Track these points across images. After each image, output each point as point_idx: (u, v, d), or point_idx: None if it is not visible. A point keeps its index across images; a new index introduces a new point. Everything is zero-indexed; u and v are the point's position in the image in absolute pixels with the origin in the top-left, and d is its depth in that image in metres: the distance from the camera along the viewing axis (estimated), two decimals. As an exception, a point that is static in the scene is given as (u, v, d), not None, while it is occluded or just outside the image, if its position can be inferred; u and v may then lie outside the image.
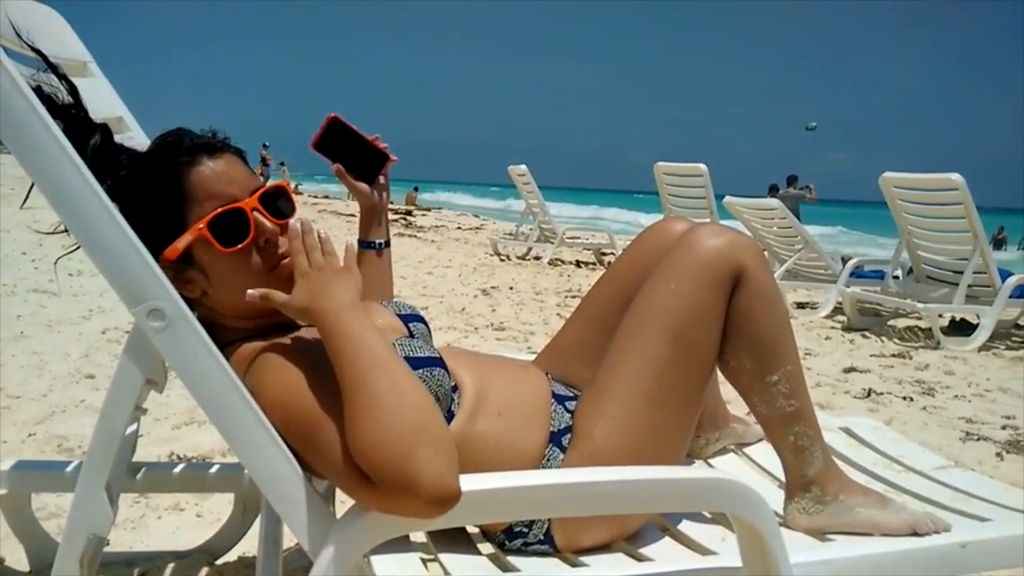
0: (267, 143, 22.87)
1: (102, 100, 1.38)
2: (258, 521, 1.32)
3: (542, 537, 1.09)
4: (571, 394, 1.24)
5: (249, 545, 1.66)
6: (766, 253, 6.34)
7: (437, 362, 1.06)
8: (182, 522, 1.82)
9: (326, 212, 14.98)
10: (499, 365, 1.22)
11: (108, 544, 1.65)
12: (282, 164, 23.40)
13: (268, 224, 1.04)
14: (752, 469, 1.50)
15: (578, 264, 8.39)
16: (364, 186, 1.33)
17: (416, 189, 22.93)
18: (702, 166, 6.40)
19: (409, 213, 15.98)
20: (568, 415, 1.18)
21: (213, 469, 1.57)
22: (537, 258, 8.54)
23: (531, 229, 8.96)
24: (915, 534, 1.14)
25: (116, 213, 0.90)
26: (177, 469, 1.55)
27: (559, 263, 8.30)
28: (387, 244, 1.40)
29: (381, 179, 1.35)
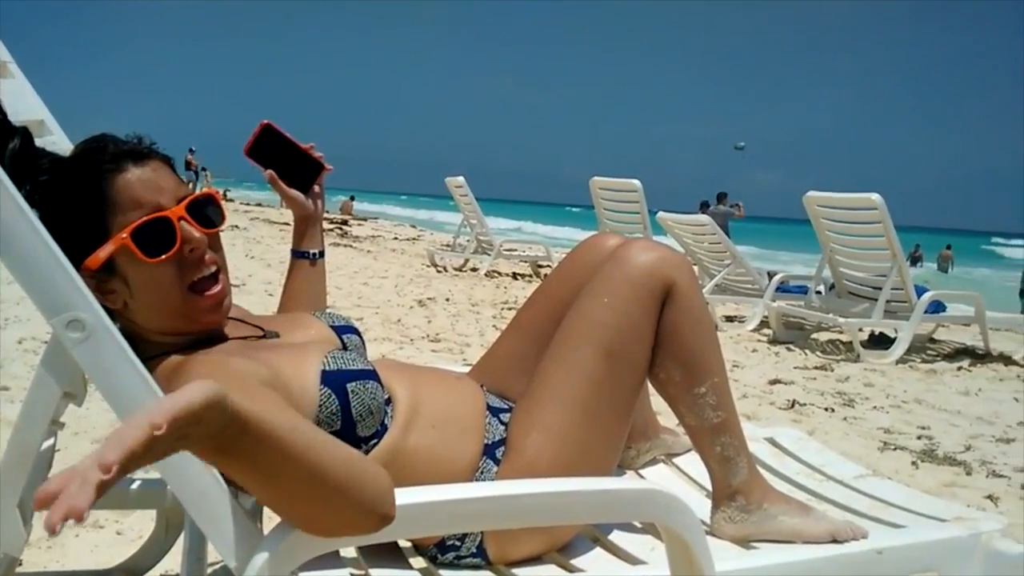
0: (193, 148, 22.28)
1: (22, 102, 1.33)
2: (181, 538, 1.28)
3: (475, 550, 1.09)
4: (506, 406, 1.25)
5: (172, 563, 1.60)
6: (697, 268, 6.52)
7: (370, 374, 1.06)
8: (101, 540, 1.76)
9: (258, 220, 14.68)
10: (434, 377, 1.22)
11: (21, 564, 1.58)
12: (204, 170, 22.76)
13: (195, 233, 1.02)
14: (681, 479, 1.53)
15: (515, 276, 8.43)
16: (298, 195, 1.32)
17: (352, 198, 22.68)
18: (636, 182, 6.53)
19: (345, 223, 15.79)
20: (502, 427, 1.19)
21: (134, 485, 1.52)
22: (474, 270, 8.55)
23: (468, 241, 8.97)
24: (835, 541, 1.18)
25: (35, 220, 0.86)
26: (96, 485, 1.49)
27: (496, 275, 8.33)
28: (321, 254, 1.39)
29: (316, 188, 1.34)
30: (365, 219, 20.31)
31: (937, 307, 4.91)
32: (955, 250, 22.62)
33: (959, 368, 4.54)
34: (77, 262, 0.93)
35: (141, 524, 1.79)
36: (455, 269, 8.63)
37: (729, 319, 6.17)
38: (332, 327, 1.19)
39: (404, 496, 0.86)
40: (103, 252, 0.99)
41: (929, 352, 5.00)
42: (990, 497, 2.40)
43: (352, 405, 1.01)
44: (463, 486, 0.95)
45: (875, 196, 4.66)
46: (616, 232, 7.08)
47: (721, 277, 6.01)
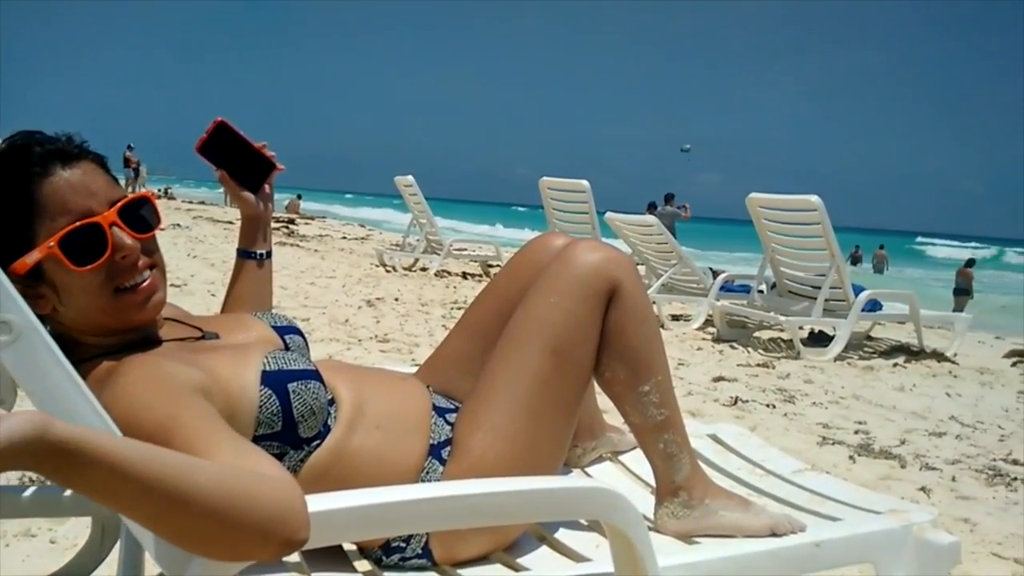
0: (132, 144, 21.57)
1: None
2: (117, 546, 1.25)
3: (420, 551, 1.09)
4: (452, 406, 1.25)
5: (108, 572, 1.55)
6: (644, 268, 6.61)
7: (312, 375, 1.04)
8: (34, 549, 1.69)
9: (201, 218, 14.35)
10: (379, 378, 1.21)
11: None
12: (140, 166, 22.05)
13: (127, 240, 0.99)
14: (626, 476, 1.55)
15: (465, 276, 8.41)
16: (248, 194, 1.30)
17: (299, 197, 22.33)
18: (584, 182, 6.59)
19: (292, 222, 15.54)
20: (448, 427, 1.19)
21: (68, 491, 1.47)
22: (424, 269, 8.50)
23: (418, 240, 8.92)
24: (774, 535, 1.21)
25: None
26: (28, 492, 1.43)
27: (446, 275, 8.30)
28: (269, 255, 1.36)
29: (266, 188, 1.32)
30: (312, 218, 20.03)
31: (874, 306, 5.07)
32: (885, 250, 23.36)
33: (895, 365, 4.69)
34: (4, 264, 0.90)
35: (76, 532, 1.74)
36: (404, 269, 8.58)
37: (675, 318, 6.27)
38: (274, 327, 1.17)
39: (347, 499, 0.85)
40: (30, 259, 0.95)
41: (866, 349, 5.16)
42: (923, 489, 2.49)
43: (293, 406, 1.00)
44: (408, 487, 0.94)
45: (814, 198, 4.78)
46: (565, 232, 7.11)
47: (667, 277, 6.10)
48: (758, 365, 4.39)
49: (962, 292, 13.91)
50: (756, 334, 5.46)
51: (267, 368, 1.01)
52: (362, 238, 14.24)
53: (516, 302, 1.25)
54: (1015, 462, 2.85)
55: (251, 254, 1.33)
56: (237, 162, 1.28)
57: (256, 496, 0.75)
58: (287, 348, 1.14)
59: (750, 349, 4.93)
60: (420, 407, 1.18)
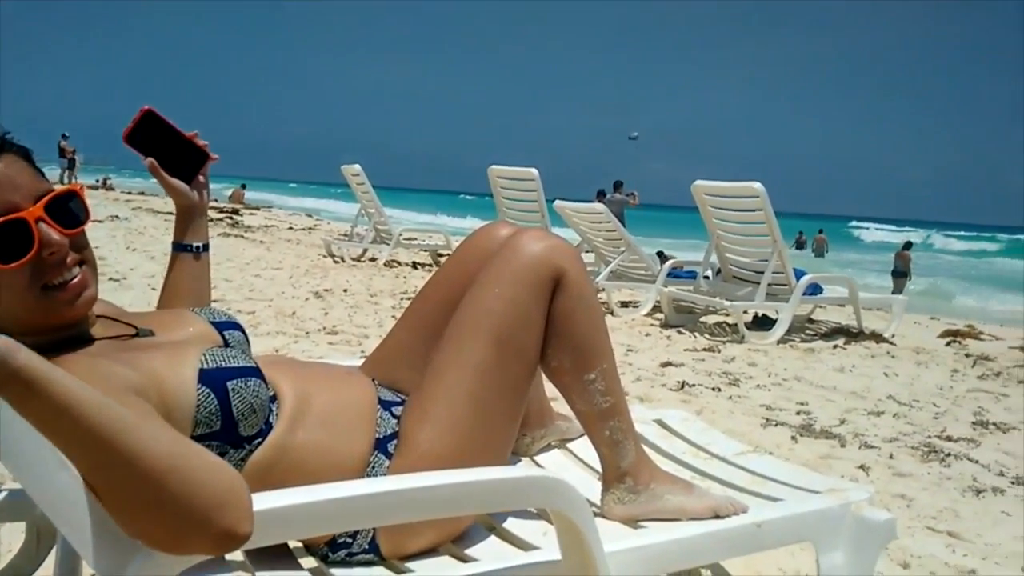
0: (67, 134, 20.78)
1: None
2: (54, 552, 1.21)
3: (367, 546, 1.08)
4: (398, 399, 1.24)
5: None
6: (593, 255, 6.66)
7: (253, 371, 1.02)
8: (-36, 557, 1.63)
9: (141, 210, 13.94)
10: (322, 372, 1.19)
11: None
12: (75, 156, 21.24)
13: (55, 236, 0.95)
14: (575, 464, 1.56)
15: (415, 266, 8.36)
16: (180, 184, 1.27)
17: (243, 187, 21.86)
18: (533, 170, 6.60)
19: (236, 212, 15.20)
20: (395, 421, 1.18)
21: (1, 495, 1.42)
22: (373, 259, 8.42)
23: (366, 230, 8.82)
24: (717, 517, 1.23)
25: None
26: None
27: (395, 264, 8.24)
28: (206, 248, 1.33)
29: (200, 178, 1.29)
30: (258, 208, 19.65)
31: (815, 289, 5.21)
32: (825, 234, 23.97)
33: (835, 346, 4.83)
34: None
35: (11, 537, 1.67)
36: (353, 259, 8.48)
37: (624, 304, 6.34)
38: (213, 323, 1.15)
39: (291, 496, 0.84)
40: None
41: (808, 332, 5.30)
42: (862, 467, 2.57)
43: (233, 404, 0.98)
44: (353, 483, 0.93)
45: (756, 185, 4.88)
46: (515, 220, 7.10)
47: (616, 264, 6.16)
48: (704, 349, 4.47)
49: (900, 274, 14.38)
50: (703, 319, 5.55)
51: (205, 366, 0.98)
52: (309, 228, 14.02)
53: (461, 293, 1.24)
54: (949, 438, 2.96)
55: (187, 247, 1.30)
56: (167, 151, 1.25)
57: (202, 475, 0.76)
58: (226, 344, 1.12)
59: (697, 334, 5.02)
60: (365, 401, 1.17)
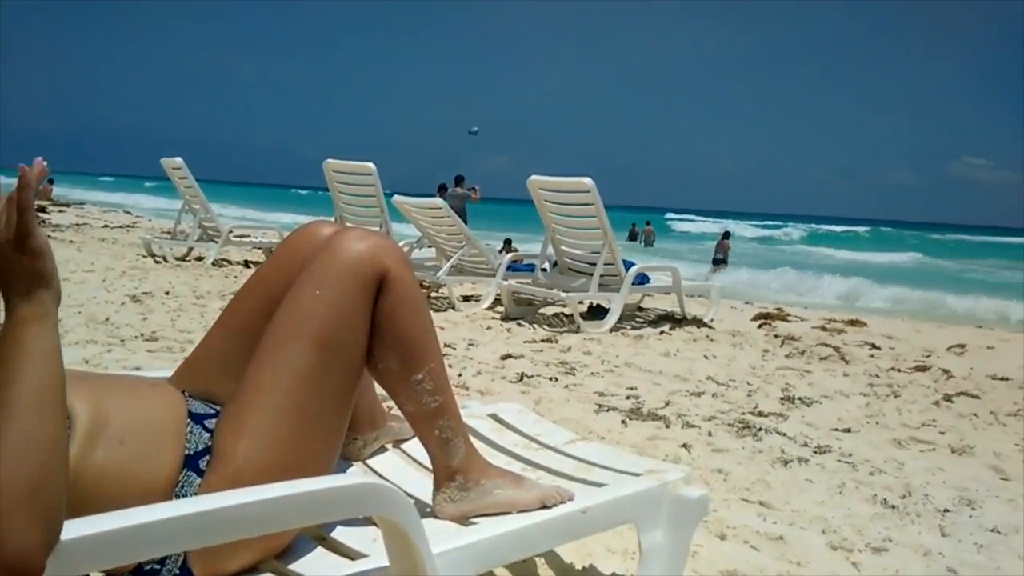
0: None
1: None
2: None
3: (177, 571, 1.01)
4: (212, 411, 1.16)
5: None
6: (434, 250, 6.65)
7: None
8: None
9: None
10: (123, 386, 1.10)
11: None
12: None
13: None
14: (409, 464, 1.55)
15: (247, 264, 7.97)
16: None
17: (51, 182, 19.90)
18: (371, 165, 6.47)
19: (42, 210, 13.82)
20: (208, 435, 1.11)
21: None
22: (199, 259, 7.94)
23: (191, 227, 8.31)
24: (545, 507, 1.27)
25: None
26: None
27: (225, 264, 7.81)
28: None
29: None
30: (68, 205, 17.97)
31: (642, 279, 5.49)
32: (652, 226, 25.39)
33: (661, 332, 5.12)
34: None
35: None
36: (177, 259, 7.95)
37: (466, 298, 6.38)
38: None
39: (88, 525, 0.77)
40: None
41: (637, 320, 5.59)
42: (685, 446, 2.74)
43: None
44: (157, 507, 0.86)
45: (587, 180, 5.07)
46: (352, 216, 6.89)
47: (457, 258, 6.18)
48: (543, 341, 4.59)
49: (719, 262, 15.48)
50: (541, 311, 5.70)
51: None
52: (127, 226, 13.01)
53: (281, 296, 1.19)
54: (760, 414, 3.22)
55: None
56: None
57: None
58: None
59: (536, 326, 5.14)
60: (172, 415, 1.09)
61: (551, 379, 3.63)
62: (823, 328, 5.65)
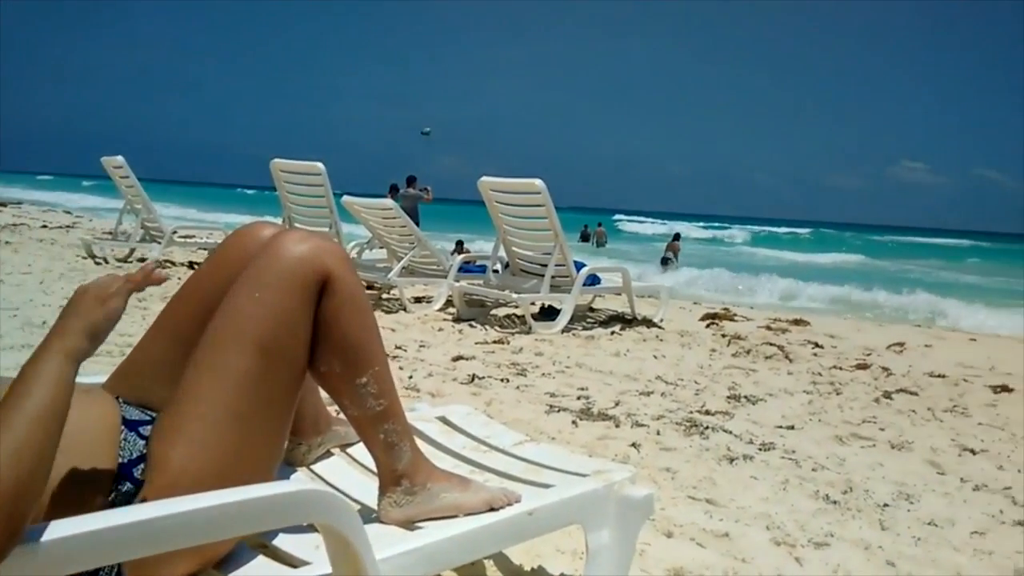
0: None
1: None
2: None
3: (110, 583, 0.98)
4: (147, 418, 1.13)
5: None
6: (385, 251, 6.59)
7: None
8: None
9: None
10: (52, 393, 1.05)
11: None
12: None
13: None
14: (354, 468, 1.52)
15: (191, 265, 7.78)
16: None
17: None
18: (319, 164, 6.37)
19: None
20: (143, 442, 1.07)
21: None
22: (142, 260, 7.73)
23: (134, 227, 8.08)
24: (492, 509, 1.26)
25: None
26: None
27: (169, 265, 7.62)
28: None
29: None
30: (5, 204, 17.32)
31: (593, 280, 5.53)
32: (604, 227, 25.61)
33: (612, 333, 5.16)
34: None
35: None
36: (119, 260, 7.73)
37: (418, 300, 6.33)
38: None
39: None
40: None
41: (588, 320, 5.62)
42: (634, 445, 2.76)
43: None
44: (86, 518, 0.83)
45: (537, 181, 5.08)
46: (301, 216, 6.76)
47: (408, 260, 6.14)
48: (494, 342, 4.58)
49: (667, 261, 15.69)
50: (493, 312, 5.69)
51: None
52: (67, 226, 12.59)
53: (219, 299, 1.16)
54: (707, 412, 3.27)
55: None
56: None
57: None
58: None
59: (487, 327, 5.13)
60: (106, 422, 1.05)
61: (502, 380, 3.62)
62: (768, 327, 5.76)
